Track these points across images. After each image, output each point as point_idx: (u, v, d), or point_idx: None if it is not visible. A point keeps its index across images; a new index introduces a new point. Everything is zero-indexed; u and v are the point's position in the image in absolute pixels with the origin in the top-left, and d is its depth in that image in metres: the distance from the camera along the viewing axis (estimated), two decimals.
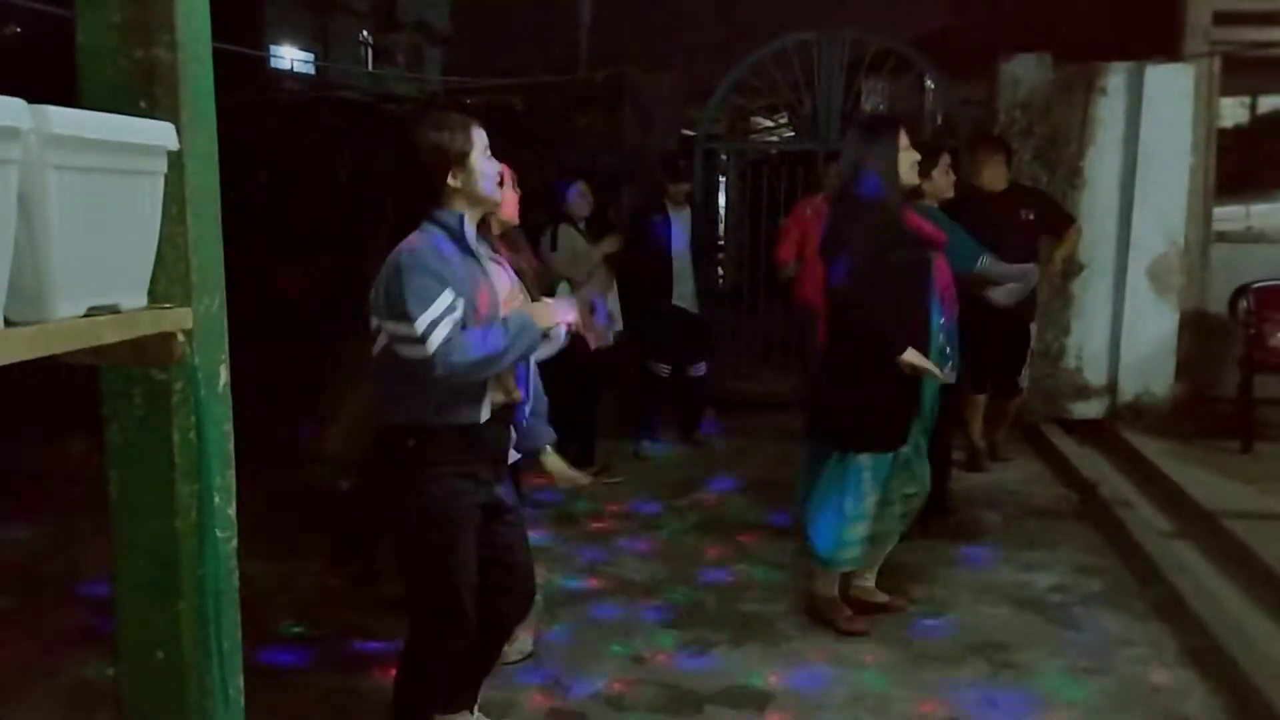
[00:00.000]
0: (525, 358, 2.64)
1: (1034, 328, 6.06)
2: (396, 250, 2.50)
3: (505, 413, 2.71)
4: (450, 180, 2.54)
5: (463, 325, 2.45)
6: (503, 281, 2.67)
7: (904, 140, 3.66)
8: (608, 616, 4.00)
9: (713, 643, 3.73)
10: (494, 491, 2.73)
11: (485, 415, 2.59)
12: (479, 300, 2.52)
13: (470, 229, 2.59)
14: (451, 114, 2.65)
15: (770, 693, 3.42)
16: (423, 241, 2.51)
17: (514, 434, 2.81)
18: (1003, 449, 6.13)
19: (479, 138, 2.58)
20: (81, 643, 3.62)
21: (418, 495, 2.61)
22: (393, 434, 2.60)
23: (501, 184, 2.80)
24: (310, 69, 23.27)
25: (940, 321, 3.90)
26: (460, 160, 2.54)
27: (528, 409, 2.83)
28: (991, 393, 5.92)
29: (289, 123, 8.82)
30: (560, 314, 2.68)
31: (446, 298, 2.42)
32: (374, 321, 2.53)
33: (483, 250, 2.66)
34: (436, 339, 2.39)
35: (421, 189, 2.56)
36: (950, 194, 4.83)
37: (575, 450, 5.53)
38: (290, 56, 26.36)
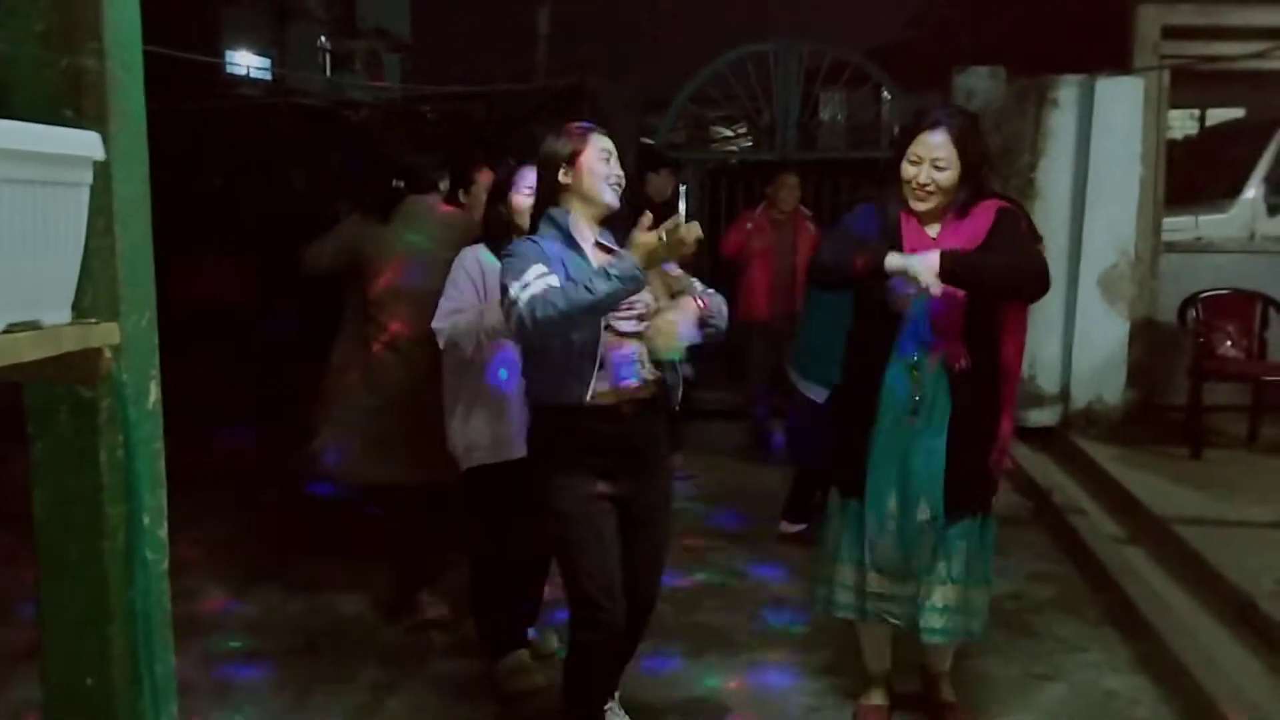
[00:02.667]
0: (617, 301, 2.57)
1: None
2: None
3: (632, 404, 2.71)
4: (561, 176, 2.73)
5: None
6: None
7: (913, 143, 2.91)
8: (561, 624, 3.96)
9: (670, 653, 3.71)
10: (625, 488, 2.77)
11: (589, 395, 2.65)
12: None
13: (576, 224, 2.74)
14: (574, 124, 2.82)
15: (728, 704, 3.41)
16: (525, 238, 2.78)
17: (657, 425, 2.81)
18: None
19: (595, 141, 2.74)
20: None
21: (535, 484, 2.81)
22: (534, 413, 2.85)
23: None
24: (267, 75, 23.04)
25: (915, 358, 2.92)
26: (572, 159, 2.72)
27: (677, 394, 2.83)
28: None
29: (244, 128, 8.72)
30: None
31: (539, 268, 2.58)
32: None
33: (598, 245, 2.76)
34: (524, 296, 2.53)
35: (542, 191, 2.81)
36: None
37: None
38: (247, 63, 26.10)
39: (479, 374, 3.32)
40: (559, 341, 2.64)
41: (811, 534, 4.85)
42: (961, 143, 2.87)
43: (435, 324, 3.28)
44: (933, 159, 2.85)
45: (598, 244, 2.78)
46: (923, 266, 2.74)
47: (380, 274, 3.86)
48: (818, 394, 4.79)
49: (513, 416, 3.26)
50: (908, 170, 2.90)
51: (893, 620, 3.07)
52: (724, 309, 2.83)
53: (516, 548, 3.41)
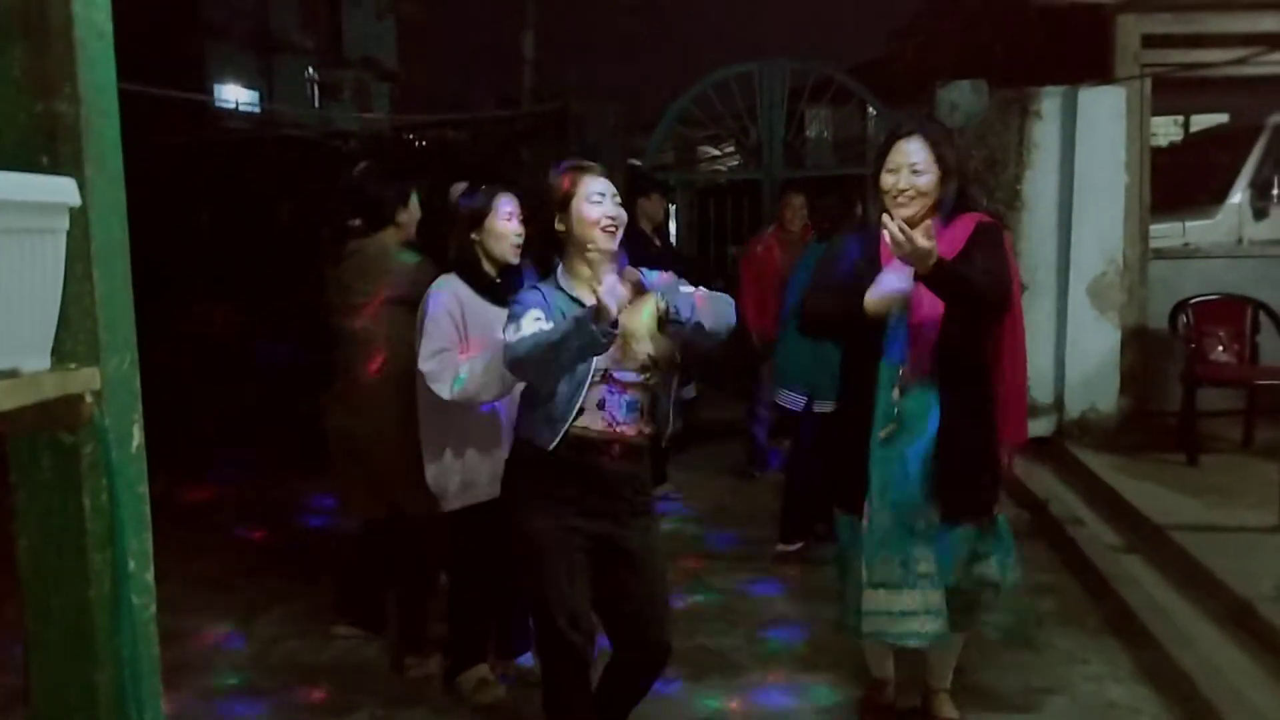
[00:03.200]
0: (582, 356, 2.54)
1: None
2: None
3: (622, 445, 2.70)
4: (556, 224, 2.71)
5: None
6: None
7: (890, 153, 3.01)
8: None
9: (670, 676, 3.68)
10: (605, 526, 2.73)
11: (556, 441, 2.64)
12: None
13: (572, 273, 2.73)
14: (571, 162, 2.79)
15: None
16: (531, 286, 2.79)
17: (643, 471, 2.81)
18: None
19: (586, 184, 2.69)
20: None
21: (507, 508, 2.84)
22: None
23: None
24: (255, 107, 23.13)
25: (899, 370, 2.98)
26: (564, 205, 2.68)
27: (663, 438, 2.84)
28: None
29: (233, 162, 8.74)
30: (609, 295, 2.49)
31: (535, 313, 2.61)
32: None
33: (590, 285, 2.65)
34: (511, 335, 2.60)
35: (540, 235, 2.82)
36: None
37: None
38: (235, 97, 26.19)
39: (467, 411, 3.28)
40: (547, 386, 2.65)
41: (806, 552, 4.84)
42: (937, 148, 2.94)
43: (421, 366, 3.23)
44: (910, 165, 2.92)
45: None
46: (903, 272, 2.80)
47: (334, 315, 3.81)
48: (793, 402, 4.88)
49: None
50: (886, 180, 2.95)
51: (889, 641, 3.10)
52: (728, 309, 2.76)
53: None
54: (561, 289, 2.73)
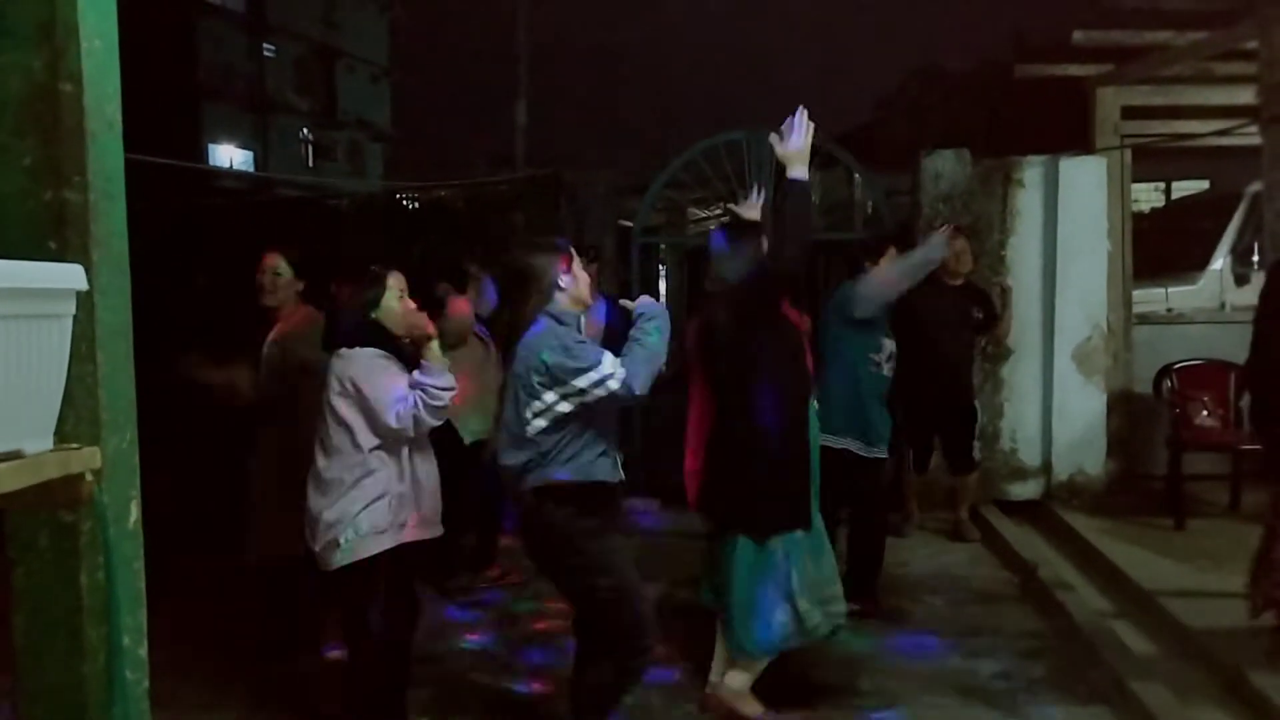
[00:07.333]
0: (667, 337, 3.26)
1: (978, 404, 6.25)
2: (534, 337, 3.17)
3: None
4: (561, 281, 3.24)
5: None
6: None
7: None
8: None
9: None
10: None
11: (620, 475, 3.33)
12: None
13: (564, 304, 3.27)
14: (565, 245, 3.37)
15: None
16: (549, 327, 3.21)
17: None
18: (967, 527, 6.20)
19: (574, 254, 3.34)
20: None
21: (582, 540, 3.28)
22: (555, 493, 3.22)
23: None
24: (250, 167, 23.35)
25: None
26: (569, 266, 3.28)
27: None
28: (950, 470, 6.09)
29: (227, 223, 8.81)
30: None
31: (607, 357, 3.12)
32: (540, 400, 3.13)
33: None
34: (618, 372, 3.08)
35: (537, 291, 3.25)
36: None
37: (474, 547, 5.49)
38: (230, 156, 26.45)
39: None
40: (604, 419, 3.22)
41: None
42: None
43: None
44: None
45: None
46: None
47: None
48: (849, 444, 4.75)
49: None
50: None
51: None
52: None
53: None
54: (560, 317, 3.26)
